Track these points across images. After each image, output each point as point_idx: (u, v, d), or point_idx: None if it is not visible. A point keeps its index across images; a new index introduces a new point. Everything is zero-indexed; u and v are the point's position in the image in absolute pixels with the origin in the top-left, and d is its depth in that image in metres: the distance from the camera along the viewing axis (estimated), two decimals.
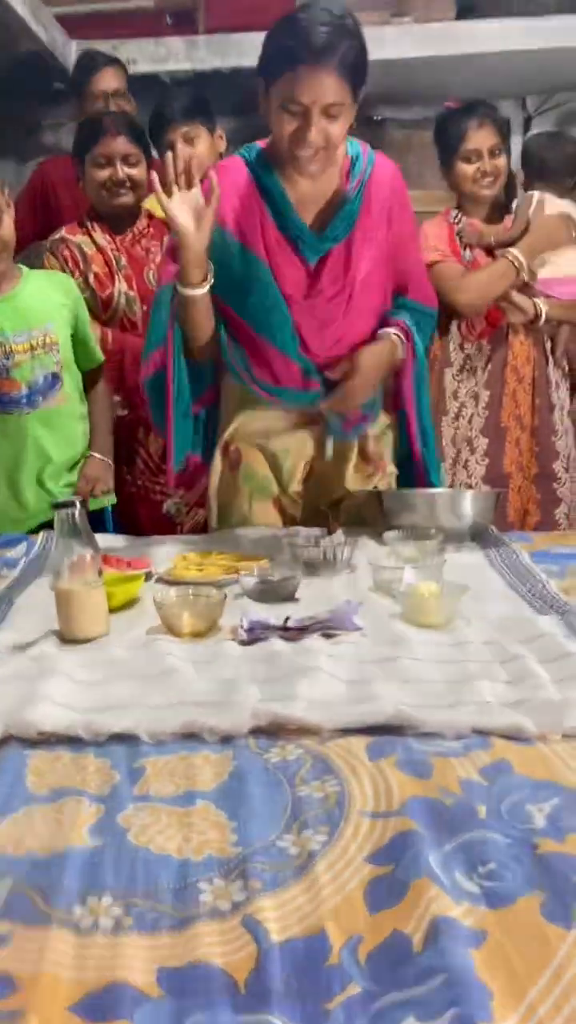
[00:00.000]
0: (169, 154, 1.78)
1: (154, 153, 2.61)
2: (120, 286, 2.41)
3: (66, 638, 1.36)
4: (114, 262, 2.43)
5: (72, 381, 2.22)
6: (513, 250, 2.46)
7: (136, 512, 2.49)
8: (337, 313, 1.90)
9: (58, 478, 2.20)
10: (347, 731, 1.00)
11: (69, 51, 3.53)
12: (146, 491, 2.51)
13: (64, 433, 2.20)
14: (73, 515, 1.38)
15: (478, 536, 1.90)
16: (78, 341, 2.25)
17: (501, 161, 2.50)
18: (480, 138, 2.46)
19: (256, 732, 1.01)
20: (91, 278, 2.40)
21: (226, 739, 1.00)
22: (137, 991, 0.63)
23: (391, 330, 1.95)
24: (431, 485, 2.06)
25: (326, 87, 1.64)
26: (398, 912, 0.69)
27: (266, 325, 1.88)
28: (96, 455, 2.27)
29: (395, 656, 1.23)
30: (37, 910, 0.72)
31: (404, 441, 2.08)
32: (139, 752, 0.99)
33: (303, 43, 1.63)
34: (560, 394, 2.67)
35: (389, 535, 1.79)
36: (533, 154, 2.92)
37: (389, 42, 3.43)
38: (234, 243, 1.84)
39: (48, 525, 2.07)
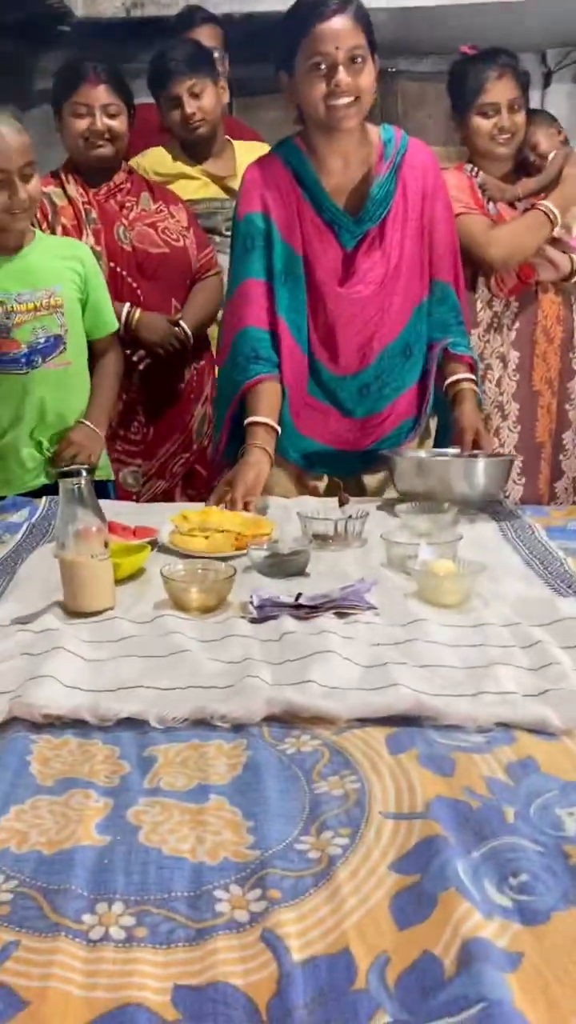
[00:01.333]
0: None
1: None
2: (87, 240, 2.33)
3: (71, 611, 1.32)
4: (83, 215, 2.34)
5: (78, 346, 2.15)
6: (547, 202, 2.29)
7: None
8: (372, 303, 1.93)
9: (53, 442, 2.14)
10: (364, 720, 0.96)
11: None
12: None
13: (65, 397, 2.13)
14: (80, 485, 1.33)
15: (491, 507, 1.86)
16: (88, 308, 2.17)
17: (520, 117, 2.32)
18: (499, 91, 2.28)
19: (269, 719, 0.97)
20: (59, 230, 2.32)
21: (238, 726, 0.96)
22: (152, 1013, 0.60)
23: (466, 382, 1.99)
24: None
25: (345, 32, 1.75)
26: (427, 929, 0.66)
27: (295, 326, 1.93)
28: (86, 423, 2.15)
29: (411, 638, 1.19)
30: (44, 917, 0.69)
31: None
32: (148, 739, 0.95)
33: (313, 8, 1.76)
34: None
35: (401, 508, 1.75)
36: None
37: None
38: (277, 233, 1.90)
39: (46, 489, 2.03)
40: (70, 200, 2.35)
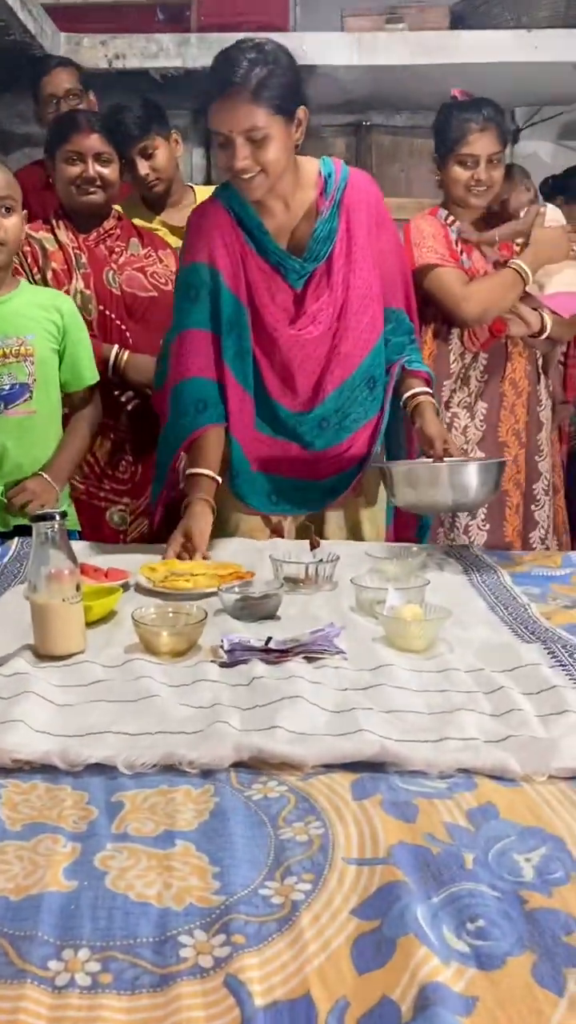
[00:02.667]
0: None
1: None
2: (77, 284, 2.38)
3: (42, 654, 1.33)
4: (73, 260, 2.39)
5: (46, 397, 2.14)
6: (519, 260, 2.34)
7: (78, 518, 2.43)
8: (325, 340, 1.93)
9: (8, 488, 2.10)
10: (330, 766, 0.98)
11: (58, 42, 3.48)
12: (89, 496, 2.44)
13: (26, 446, 2.10)
14: (53, 528, 1.35)
15: (458, 552, 1.90)
16: (65, 360, 2.18)
17: (498, 172, 2.38)
18: (481, 144, 2.33)
19: (237, 765, 0.99)
20: (49, 275, 2.36)
21: (207, 772, 0.98)
22: None
23: (423, 395, 1.98)
24: None
25: (241, 115, 1.71)
26: (386, 974, 0.67)
27: (241, 373, 1.93)
28: (43, 474, 2.10)
29: (378, 683, 1.21)
30: (10, 964, 0.69)
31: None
32: (117, 784, 0.96)
33: (217, 79, 1.73)
34: (545, 413, 2.60)
35: (372, 549, 1.79)
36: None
37: (382, 48, 3.43)
38: (224, 284, 1.89)
39: (18, 531, 2.03)
40: (60, 245, 2.39)
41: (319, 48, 3.44)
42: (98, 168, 2.34)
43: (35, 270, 2.36)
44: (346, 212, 1.90)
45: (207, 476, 1.88)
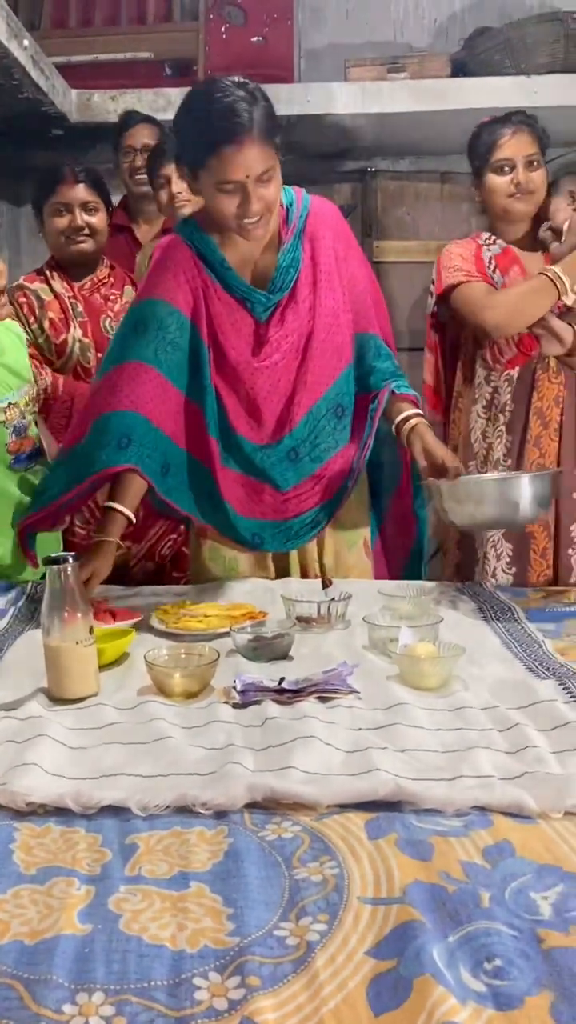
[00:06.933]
0: None
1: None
2: (75, 332, 2.42)
3: (55, 697, 1.34)
4: (70, 309, 2.44)
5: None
6: (555, 267, 2.12)
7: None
8: (289, 369, 1.89)
9: None
10: (345, 805, 0.98)
11: (69, 99, 3.57)
12: (90, 540, 2.46)
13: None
14: (66, 571, 1.36)
15: (470, 589, 1.90)
16: None
17: (538, 175, 2.21)
18: (514, 146, 2.19)
19: (251, 806, 0.99)
20: (46, 324, 2.41)
21: (220, 813, 0.97)
22: None
23: (416, 417, 1.90)
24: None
25: (254, 159, 1.66)
26: (402, 1015, 0.67)
27: (206, 407, 1.87)
28: None
29: (392, 722, 1.21)
30: (25, 1008, 0.69)
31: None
32: (131, 826, 0.96)
33: (221, 127, 1.64)
34: None
35: (384, 587, 1.79)
36: None
37: (385, 96, 3.48)
38: (186, 321, 1.84)
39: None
40: (56, 295, 2.44)
41: (323, 97, 3.50)
42: (86, 217, 2.39)
43: (31, 320, 2.41)
44: (309, 240, 1.86)
45: (123, 514, 1.80)
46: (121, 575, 2.44)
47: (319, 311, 1.89)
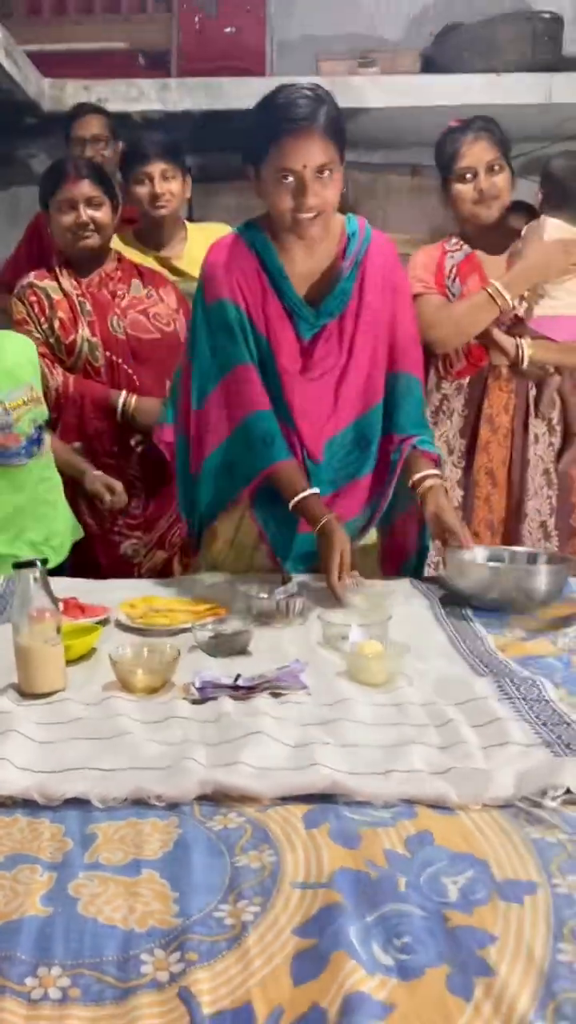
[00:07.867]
0: None
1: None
2: (83, 332, 2.48)
3: (24, 692, 1.43)
4: (78, 308, 2.49)
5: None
6: (496, 281, 2.21)
7: (94, 552, 2.55)
8: (328, 391, 1.95)
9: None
10: (286, 798, 1.08)
11: (41, 88, 3.60)
12: (104, 532, 2.57)
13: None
14: (35, 574, 1.45)
15: (426, 585, 1.98)
16: None
17: (501, 178, 2.28)
18: (475, 153, 2.26)
19: (201, 798, 1.09)
20: (56, 324, 2.46)
21: (173, 805, 1.07)
22: None
23: (433, 478, 1.95)
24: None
25: (313, 149, 1.72)
26: (318, 984, 0.78)
27: (273, 399, 1.93)
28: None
29: (337, 718, 1.30)
30: None
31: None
32: (91, 817, 1.06)
33: (283, 116, 1.72)
34: (538, 449, 2.41)
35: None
36: (555, 179, 2.39)
37: (355, 91, 3.55)
38: (248, 321, 1.91)
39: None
40: (65, 293, 2.49)
41: None
42: (90, 212, 2.44)
43: (42, 319, 2.46)
44: (363, 274, 1.90)
45: (314, 494, 1.88)
46: (132, 566, 2.54)
47: (357, 344, 1.93)
